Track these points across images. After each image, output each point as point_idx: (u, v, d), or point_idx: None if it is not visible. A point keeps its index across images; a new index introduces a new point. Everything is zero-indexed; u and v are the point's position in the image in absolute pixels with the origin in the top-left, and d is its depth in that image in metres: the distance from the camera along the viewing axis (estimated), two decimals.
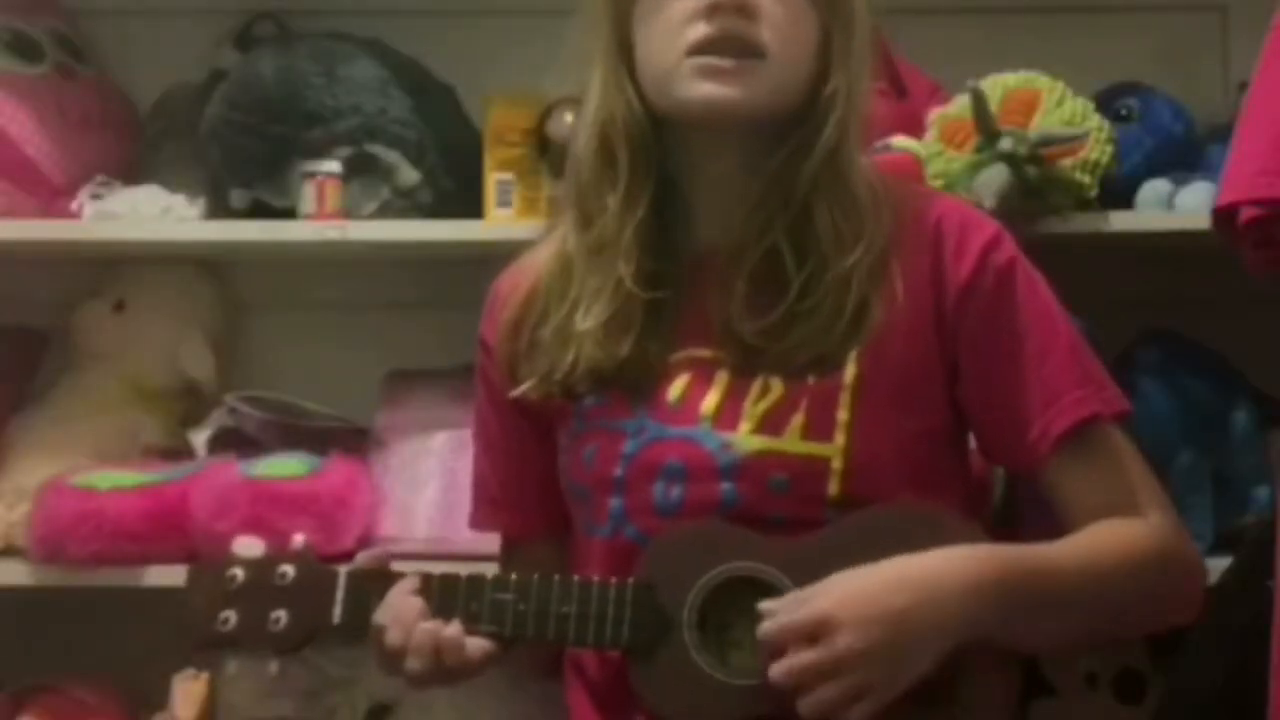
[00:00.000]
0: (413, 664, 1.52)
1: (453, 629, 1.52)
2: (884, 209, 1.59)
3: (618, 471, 1.58)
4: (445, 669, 1.52)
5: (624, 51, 1.60)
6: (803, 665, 1.44)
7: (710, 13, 1.54)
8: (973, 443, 1.66)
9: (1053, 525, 1.60)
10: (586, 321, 1.59)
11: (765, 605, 1.48)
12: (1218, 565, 1.80)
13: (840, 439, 1.55)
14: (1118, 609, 1.56)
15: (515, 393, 1.65)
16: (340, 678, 2.14)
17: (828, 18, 1.59)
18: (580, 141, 1.64)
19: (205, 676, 2.10)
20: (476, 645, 1.53)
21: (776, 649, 1.46)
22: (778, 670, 1.45)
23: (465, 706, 2.06)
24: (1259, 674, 1.60)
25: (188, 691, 2.10)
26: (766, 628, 1.46)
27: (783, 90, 1.57)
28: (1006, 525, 1.82)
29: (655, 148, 1.60)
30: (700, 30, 1.54)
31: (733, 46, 1.54)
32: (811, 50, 1.58)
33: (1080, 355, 1.61)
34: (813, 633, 1.44)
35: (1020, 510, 1.85)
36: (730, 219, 1.61)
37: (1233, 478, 2.03)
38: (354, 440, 2.17)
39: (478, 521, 1.76)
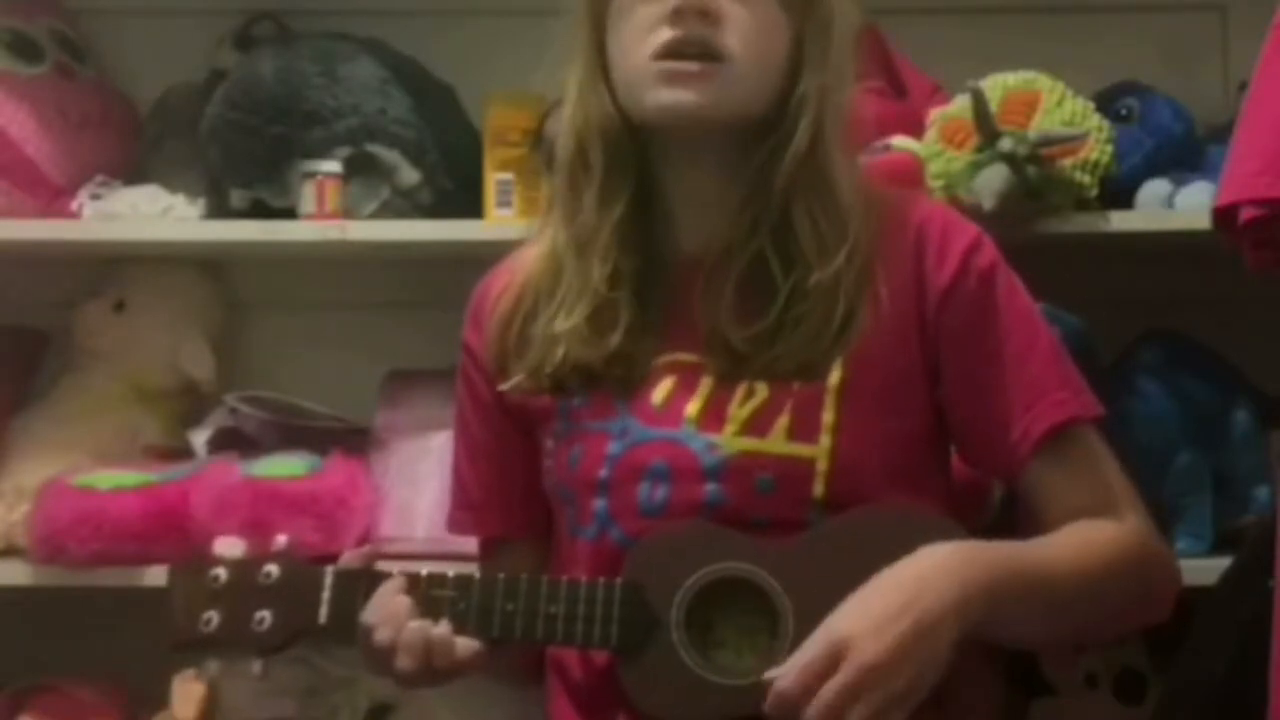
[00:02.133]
0: (402, 663, 1.52)
1: (442, 629, 1.52)
2: (870, 212, 1.60)
3: (603, 473, 1.58)
4: (434, 669, 1.52)
5: (600, 54, 1.62)
6: (832, 696, 1.41)
7: (674, 18, 1.55)
8: None
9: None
10: (569, 320, 1.60)
11: (770, 674, 1.44)
12: (1218, 565, 1.80)
13: (825, 441, 1.55)
14: (1101, 607, 1.56)
15: (505, 386, 1.65)
16: (340, 677, 2.14)
17: (801, 23, 1.59)
18: (559, 143, 1.65)
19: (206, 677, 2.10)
20: (465, 645, 1.53)
21: (804, 694, 1.42)
22: (812, 713, 1.41)
23: (465, 707, 2.06)
24: (1259, 674, 1.60)
25: (188, 691, 2.09)
26: (783, 686, 1.42)
27: (748, 94, 1.57)
28: (1006, 528, 1.81)
29: (631, 150, 1.61)
30: (664, 34, 1.55)
31: (695, 50, 1.55)
32: (781, 55, 1.59)
33: (1059, 358, 1.61)
34: (832, 660, 1.42)
35: (1019, 514, 1.84)
36: (712, 223, 1.61)
37: (1233, 478, 2.03)
38: (354, 440, 2.17)
39: (456, 525, 1.75)
